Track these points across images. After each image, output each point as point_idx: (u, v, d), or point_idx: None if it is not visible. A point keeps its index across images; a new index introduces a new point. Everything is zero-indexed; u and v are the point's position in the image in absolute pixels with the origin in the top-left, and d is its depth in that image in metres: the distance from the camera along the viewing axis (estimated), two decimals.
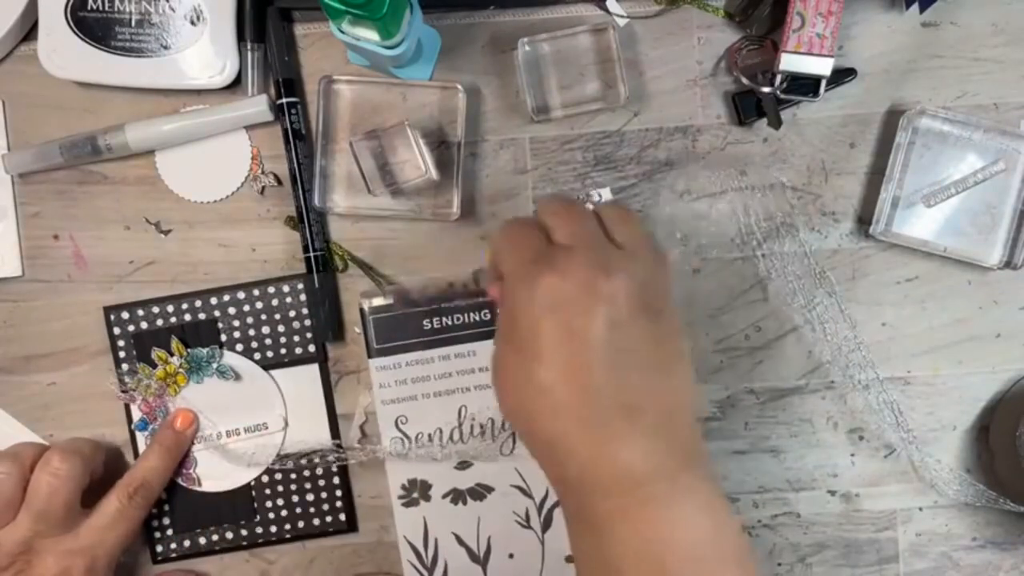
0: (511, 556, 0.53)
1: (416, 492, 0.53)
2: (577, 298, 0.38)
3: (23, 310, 0.55)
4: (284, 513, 0.54)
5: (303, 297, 0.54)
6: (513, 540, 0.53)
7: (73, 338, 0.55)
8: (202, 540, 0.54)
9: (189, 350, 0.54)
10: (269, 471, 0.54)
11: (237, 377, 0.54)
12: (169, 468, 0.53)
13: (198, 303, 0.54)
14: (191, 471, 0.54)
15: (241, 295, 0.54)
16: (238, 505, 0.54)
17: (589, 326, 0.38)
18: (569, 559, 0.52)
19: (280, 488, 0.54)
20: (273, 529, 0.54)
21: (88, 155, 0.53)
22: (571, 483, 0.39)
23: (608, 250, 0.40)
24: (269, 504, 0.54)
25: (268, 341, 0.54)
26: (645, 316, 0.39)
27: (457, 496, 0.53)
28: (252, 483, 0.54)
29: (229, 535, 0.54)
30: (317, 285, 0.53)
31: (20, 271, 0.55)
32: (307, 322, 0.54)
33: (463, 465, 0.53)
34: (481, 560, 0.53)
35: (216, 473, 0.54)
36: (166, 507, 0.54)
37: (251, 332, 0.54)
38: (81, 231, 0.55)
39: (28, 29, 0.54)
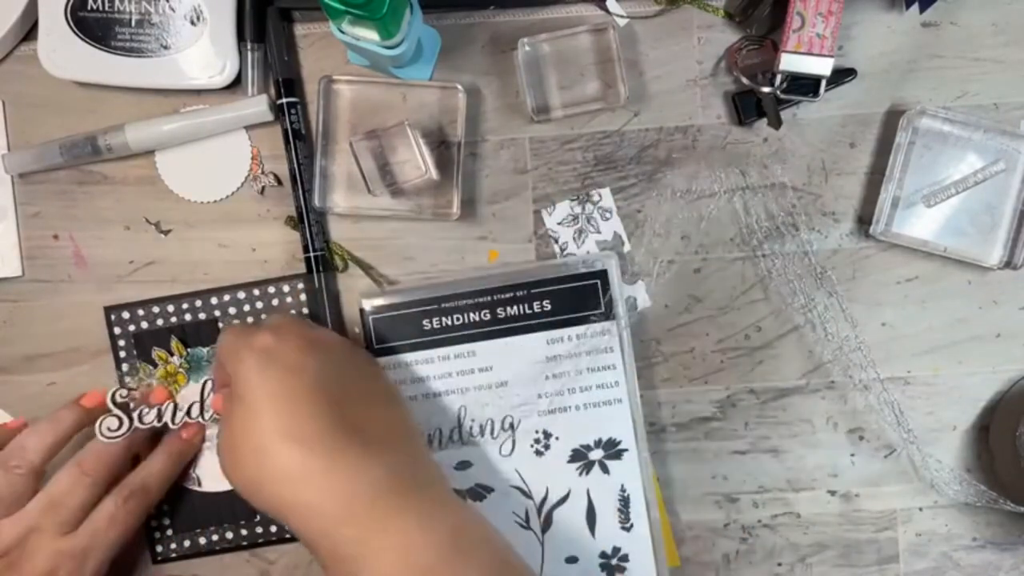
0: None
1: None
2: (289, 350, 0.45)
3: (23, 310, 0.55)
4: None
5: (303, 297, 0.54)
6: (513, 540, 0.52)
7: (73, 338, 0.55)
8: (202, 540, 0.54)
9: (190, 350, 0.54)
10: None
11: None
12: (171, 475, 0.52)
13: (198, 303, 0.54)
14: (191, 471, 0.54)
15: (241, 295, 0.54)
16: (238, 505, 0.54)
17: (303, 369, 0.44)
18: (569, 560, 0.52)
19: None
20: (273, 529, 0.54)
21: (88, 155, 0.53)
22: (315, 526, 0.42)
23: (314, 325, 0.49)
24: None
25: None
26: (355, 359, 0.48)
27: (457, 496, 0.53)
28: None
29: (229, 535, 0.54)
30: (317, 285, 0.53)
31: (20, 271, 0.55)
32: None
33: (463, 465, 0.53)
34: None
35: (216, 473, 0.54)
36: (166, 507, 0.54)
37: None
38: (81, 231, 0.55)
39: (28, 29, 0.54)
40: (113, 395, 0.51)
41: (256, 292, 0.54)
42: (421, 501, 0.44)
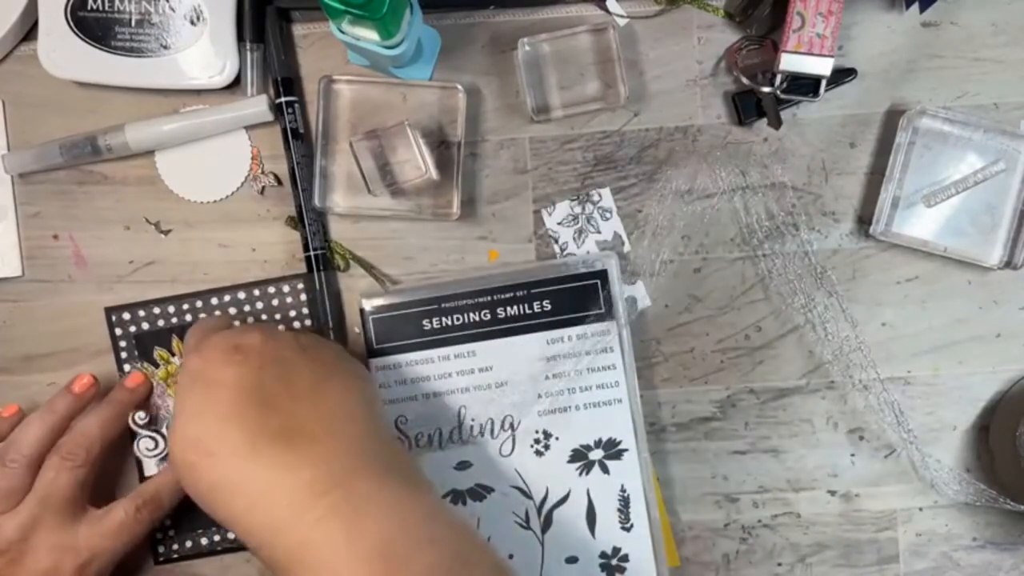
0: (511, 557, 0.53)
1: None
2: (209, 366, 0.44)
3: (23, 310, 0.55)
4: None
5: (303, 297, 0.54)
6: (513, 541, 0.53)
7: (73, 338, 0.55)
8: (203, 540, 0.54)
9: None
10: None
11: None
12: (182, 488, 0.52)
13: (199, 303, 0.54)
14: None
15: (242, 295, 0.54)
16: None
17: (223, 372, 0.44)
18: (569, 560, 0.52)
19: None
20: None
21: (88, 155, 0.53)
22: (253, 539, 0.42)
23: (240, 328, 0.48)
24: None
25: None
26: (297, 351, 0.46)
27: (457, 496, 0.53)
28: None
29: (231, 535, 0.54)
30: (318, 284, 0.53)
31: (20, 271, 0.55)
32: (308, 322, 0.54)
33: (463, 465, 0.53)
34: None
35: None
36: None
37: None
38: (81, 231, 0.55)
39: (28, 29, 0.54)
40: (134, 419, 0.53)
41: (256, 292, 0.54)
42: (350, 500, 0.41)
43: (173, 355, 0.54)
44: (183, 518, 0.54)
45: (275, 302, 0.54)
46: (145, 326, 0.54)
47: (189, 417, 0.43)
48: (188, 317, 0.54)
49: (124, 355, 0.54)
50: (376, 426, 0.47)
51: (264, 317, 0.54)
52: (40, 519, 0.48)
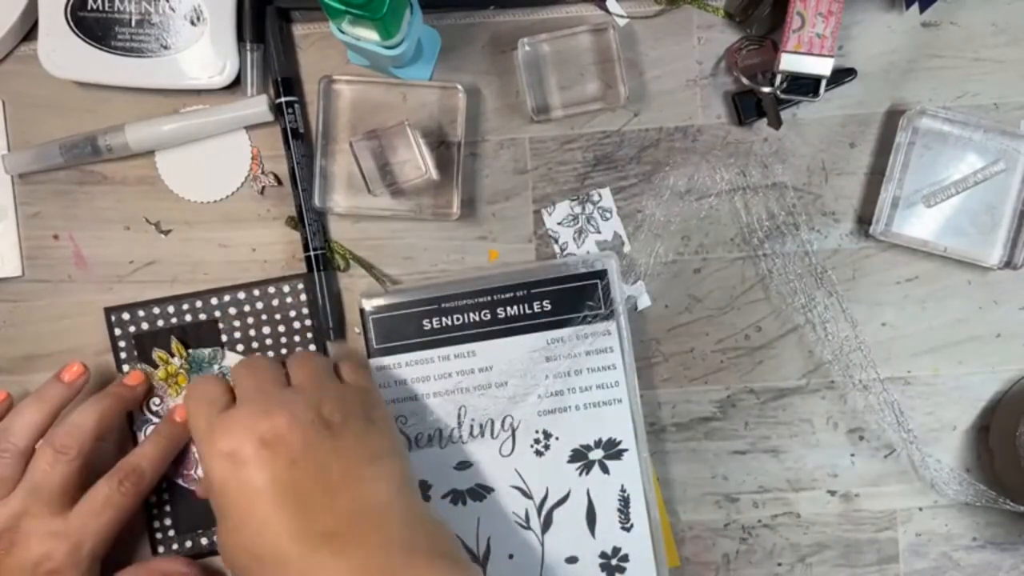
0: (511, 557, 0.53)
1: None
2: (243, 461, 0.43)
3: (23, 310, 0.55)
4: None
5: (303, 297, 0.54)
6: (513, 541, 0.53)
7: (73, 338, 0.55)
8: (203, 540, 0.54)
9: (191, 351, 0.54)
10: None
11: None
12: (165, 458, 0.52)
13: (199, 303, 0.54)
14: (192, 472, 0.54)
15: (242, 295, 0.54)
16: None
17: (256, 477, 0.43)
18: (569, 560, 0.52)
19: None
20: None
21: (88, 155, 0.53)
22: None
23: (269, 396, 0.45)
24: None
25: (269, 342, 0.54)
26: (325, 436, 0.44)
27: (457, 496, 0.53)
28: None
29: None
30: (319, 284, 0.53)
31: (20, 271, 0.55)
32: (308, 322, 0.54)
33: (463, 465, 0.53)
34: (481, 561, 0.53)
35: None
36: (167, 508, 0.54)
37: (252, 333, 0.54)
38: (81, 231, 0.55)
39: (28, 29, 0.54)
40: (148, 406, 0.53)
41: (256, 292, 0.54)
42: None
43: (172, 356, 0.54)
44: (183, 518, 0.54)
45: (275, 302, 0.54)
46: (145, 326, 0.54)
47: (232, 529, 0.43)
48: (188, 318, 0.54)
49: (123, 355, 0.54)
50: (415, 506, 0.46)
51: (264, 318, 0.54)
52: (30, 509, 0.48)
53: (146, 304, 0.54)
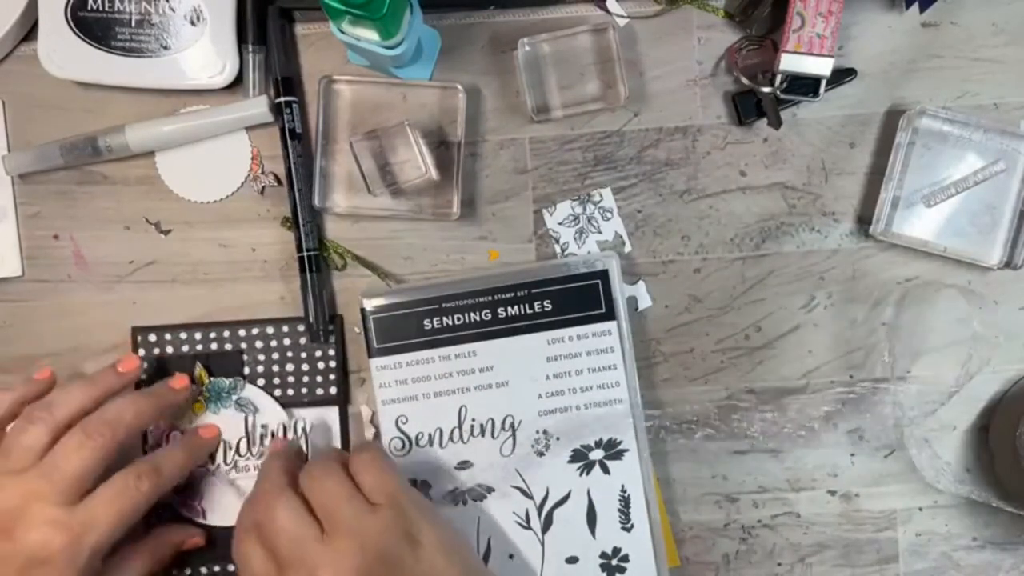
0: (511, 557, 0.53)
1: None
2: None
3: (23, 310, 0.55)
4: None
5: (332, 339, 0.54)
6: (513, 541, 0.53)
7: (73, 338, 0.55)
8: (203, 570, 0.54)
9: (212, 379, 0.53)
10: None
11: (255, 411, 0.53)
12: (186, 464, 0.51)
13: (226, 333, 0.54)
14: (196, 503, 0.53)
15: (270, 330, 0.54)
16: None
17: None
18: (569, 560, 0.52)
19: None
20: None
21: (88, 156, 0.53)
22: None
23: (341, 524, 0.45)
24: None
25: (291, 379, 0.54)
26: (389, 564, 0.44)
27: (457, 496, 0.53)
28: None
29: (231, 568, 0.53)
30: (310, 285, 0.53)
31: (20, 271, 0.55)
32: (332, 363, 0.54)
33: (463, 465, 0.53)
34: (481, 560, 0.53)
35: (221, 507, 0.53)
36: None
37: (275, 368, 0.54)
38: (81, 231, 0.55)
39: (28, 29, 0.54)
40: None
41: (285, 328, 0.54)
42: None
43: (193, 382, 0.53)
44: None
45: (302, 340, 0.54)
46: (170, 350, 0.54)
47: None
48: (214, 346, 0.54)
49: (144, 376, 0.53)
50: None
51: (289, 354, 0.54)
52: (42, 492, 0.46)
53: (173, 328, 0.54)
